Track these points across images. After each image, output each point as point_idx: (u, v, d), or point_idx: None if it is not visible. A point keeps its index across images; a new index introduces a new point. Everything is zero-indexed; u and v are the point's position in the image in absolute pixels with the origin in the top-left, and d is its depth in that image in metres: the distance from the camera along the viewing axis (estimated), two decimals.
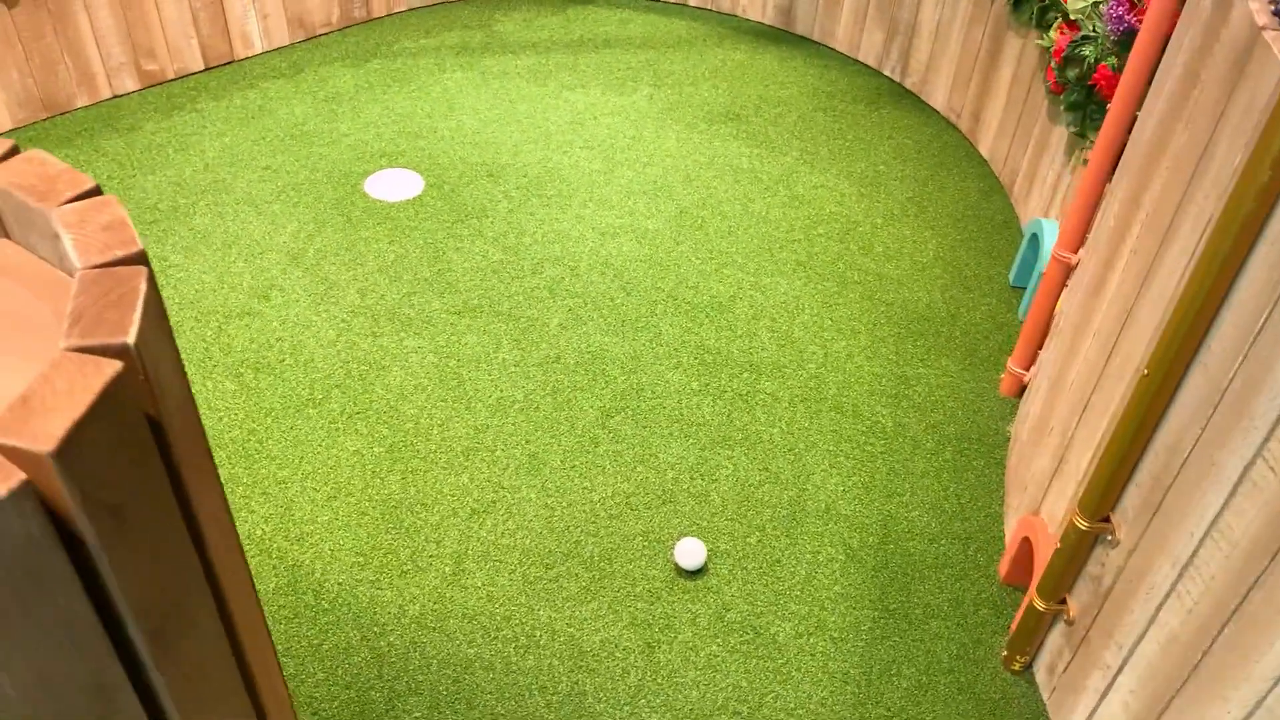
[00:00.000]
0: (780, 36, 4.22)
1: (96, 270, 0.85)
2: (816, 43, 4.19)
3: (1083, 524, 1.81)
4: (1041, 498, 2.15)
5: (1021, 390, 2.72)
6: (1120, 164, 2.22)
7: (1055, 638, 2.03)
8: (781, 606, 2.20)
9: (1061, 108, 2.76)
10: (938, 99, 3.81)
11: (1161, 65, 2.06)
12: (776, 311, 2.91)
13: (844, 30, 4.07)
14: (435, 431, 2.49)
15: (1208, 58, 1.62)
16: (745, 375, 2.71)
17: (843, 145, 3.62)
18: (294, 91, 3.61)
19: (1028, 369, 2.66)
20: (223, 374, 2.59)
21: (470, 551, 2.24)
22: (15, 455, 0.71)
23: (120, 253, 0.86)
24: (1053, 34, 2.90)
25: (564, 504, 2.35)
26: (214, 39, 3.62)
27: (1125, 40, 2.31)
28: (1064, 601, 1.96)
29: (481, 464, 2.42)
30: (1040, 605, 1.98)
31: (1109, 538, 1.80)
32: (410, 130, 3.48)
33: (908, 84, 3.93)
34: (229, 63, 3.71)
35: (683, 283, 2.98)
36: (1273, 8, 1.44)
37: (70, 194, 0.91)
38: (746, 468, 2.48)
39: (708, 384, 2.68)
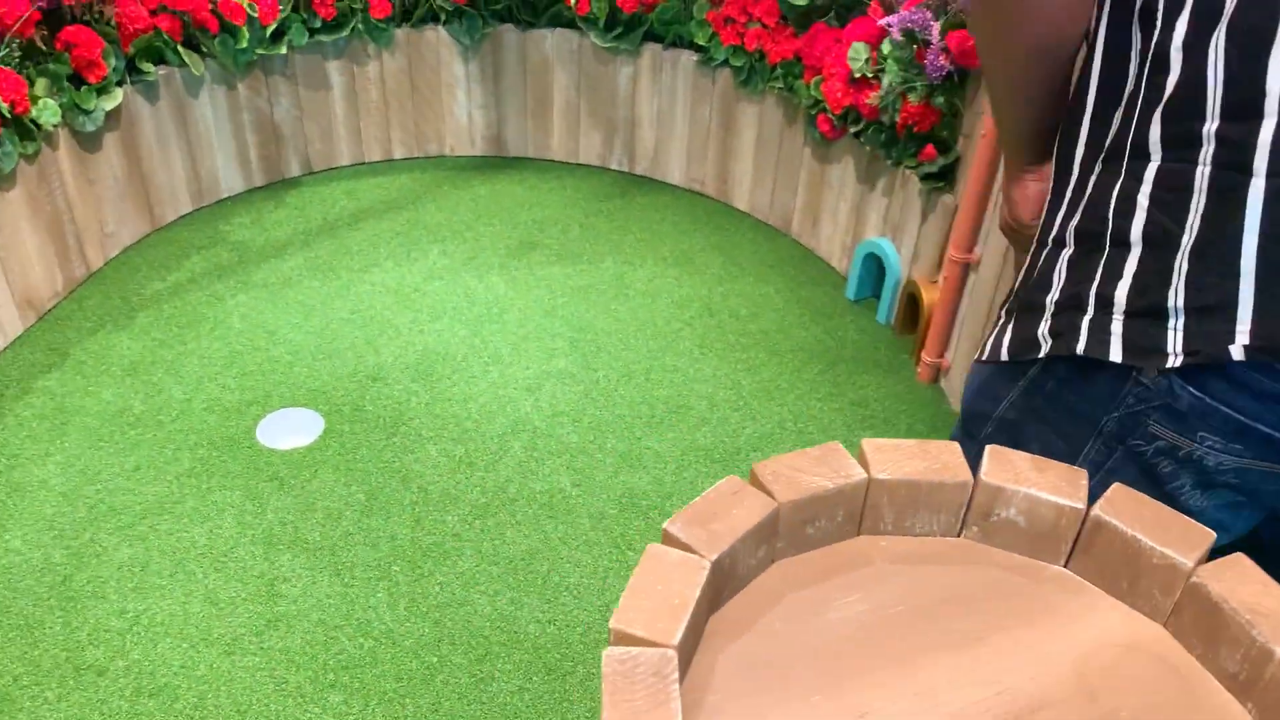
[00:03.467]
0: (499, 163, 4.40)
1: None
2: (534, 159, 4.42)
3: None
4: None
5: (936, 375, 3.25)
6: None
7: None
8: None
9: (867, 148, 3.33)
10: (675, 176, 4.25)
11: None
12: (723, 393, 3.16)
13: (558, 141, 4.35)
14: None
15: None
16: (754, 455, 2.93)
17: (637, 239, 3.92)
18: (83, 379, 3.08)
19: (942, 356, 3.20)
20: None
21: None
22: None
23: None
24: (815, 92, 3.47)
25: None
26: None
27: (945, 82, 2.90)
28: None
29: None
30: None
31: None
32: (250, 369, 3.16)
33: (638, 171, 4.32)
34: None
35: (635, 403, 3.10)
36: None
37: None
38: None
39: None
